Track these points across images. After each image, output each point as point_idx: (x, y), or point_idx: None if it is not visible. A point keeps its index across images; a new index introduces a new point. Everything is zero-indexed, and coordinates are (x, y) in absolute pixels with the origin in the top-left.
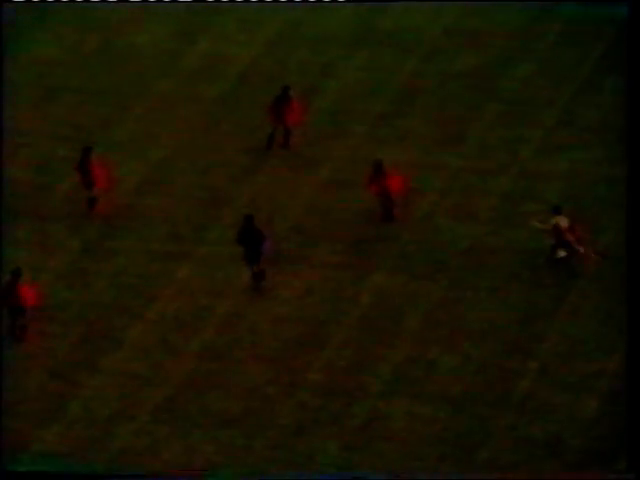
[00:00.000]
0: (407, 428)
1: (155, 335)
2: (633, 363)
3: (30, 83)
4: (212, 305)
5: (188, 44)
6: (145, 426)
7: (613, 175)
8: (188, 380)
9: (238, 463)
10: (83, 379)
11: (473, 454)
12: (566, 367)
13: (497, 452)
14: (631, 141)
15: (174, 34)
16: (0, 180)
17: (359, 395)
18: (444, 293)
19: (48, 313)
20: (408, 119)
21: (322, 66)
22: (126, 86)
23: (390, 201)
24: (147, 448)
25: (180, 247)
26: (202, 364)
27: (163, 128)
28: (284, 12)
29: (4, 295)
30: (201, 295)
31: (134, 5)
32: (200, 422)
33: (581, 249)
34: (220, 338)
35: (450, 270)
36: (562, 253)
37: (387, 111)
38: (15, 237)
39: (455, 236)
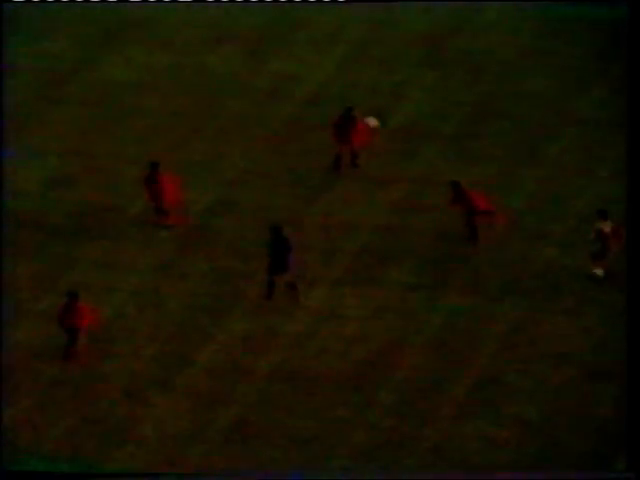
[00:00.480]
0: (480, 451)
1: (226, 355)
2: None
3: (101, 105)
4: (282, 325)
5: (259, 64)
6: (217, 446)
7: None
8: (259, 400)
9: None
10: (155, 399)
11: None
12: None
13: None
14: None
15: (245, 54)
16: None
17: (431, 417)
18: (519, 315)
19: (120, 333)
20: (481, 140)
21: (393, 86)
22: (197, 107)
23: (475, 219)
24: (219, 468)
25: (250, 267)
26: (273, 384)
27: (234, 148)
28: (354, 32)
29: (61, 317)
30: (271, 315)
31: (204, 25)
32: (272, 442)
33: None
34: (291, 358)
35: (526, 292)
36: (599, 272)
37: (459, 132)
38: (87, 258)
39: (530, 258)
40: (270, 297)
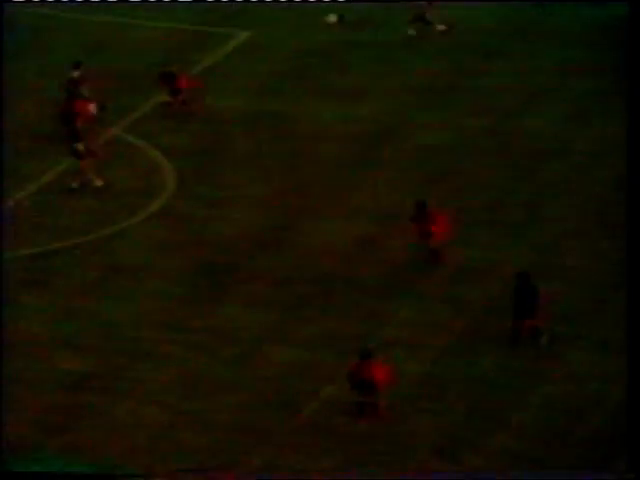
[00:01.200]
0: None
1: (540, 418)
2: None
3: (414, 168)
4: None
5: (582, 128)
6: None
7: None
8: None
9: None
10: (465, 458)
11: None
12: None
13: None
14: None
15: (569, 118)
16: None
17: None
18: None
19: (430, 390)
20: None
21: None
22: (512, 168)
23: None
24: None
25: (572, 330)
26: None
27: (552, 212)
28: None
29: (352, 375)
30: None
31: (523, 88)
32: None
33: None
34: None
35: None
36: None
37: None
38: (395, 315)
39: None
40: (515, 342)
